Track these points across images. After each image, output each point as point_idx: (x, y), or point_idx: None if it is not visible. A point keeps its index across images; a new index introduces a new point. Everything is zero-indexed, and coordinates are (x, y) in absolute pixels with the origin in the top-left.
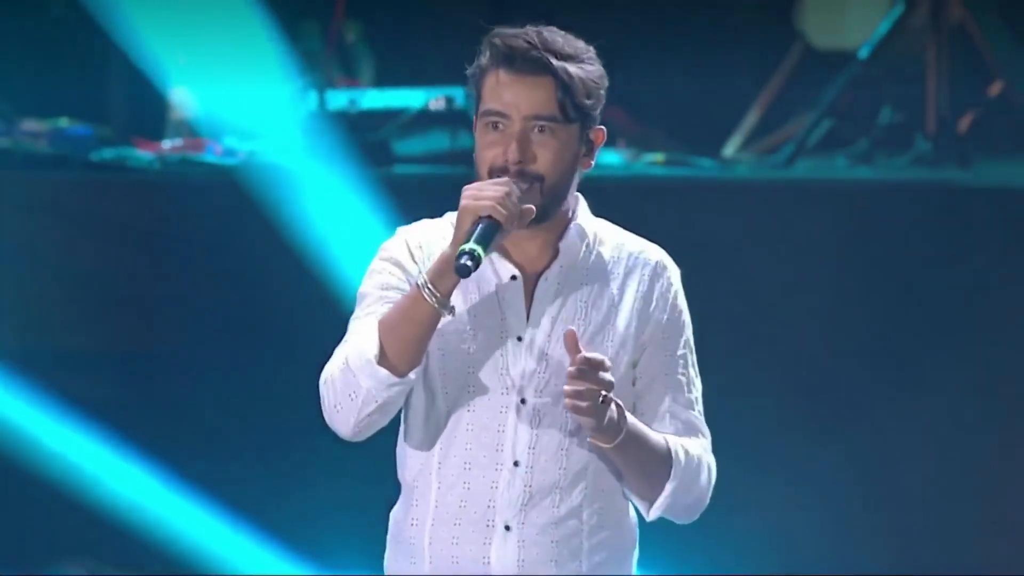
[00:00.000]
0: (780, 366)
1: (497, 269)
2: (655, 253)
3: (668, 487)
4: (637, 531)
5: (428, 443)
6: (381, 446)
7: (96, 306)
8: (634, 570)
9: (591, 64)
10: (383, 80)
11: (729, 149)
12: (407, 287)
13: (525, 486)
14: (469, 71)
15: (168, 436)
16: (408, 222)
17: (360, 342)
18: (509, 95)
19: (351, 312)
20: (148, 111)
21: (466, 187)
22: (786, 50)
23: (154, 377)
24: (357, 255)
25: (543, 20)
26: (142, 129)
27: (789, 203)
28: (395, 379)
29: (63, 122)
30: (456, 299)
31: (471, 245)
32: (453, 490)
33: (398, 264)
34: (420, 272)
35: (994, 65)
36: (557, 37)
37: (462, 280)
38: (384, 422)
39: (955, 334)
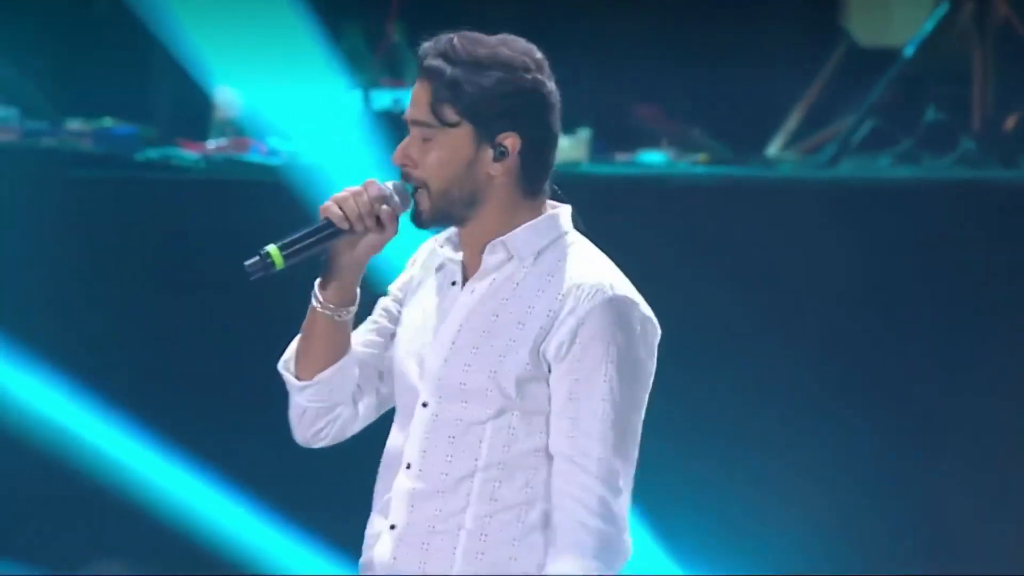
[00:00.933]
0: (828, 363)
1: (449, 273)
2: (592, 282)
3: None
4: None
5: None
6: None
7: (143, 304)
8: None
9: (491, 64)
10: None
11: (772, 149)
12: (398, 297)
13: (412, 488)
14: None
15: (213, 434)
16: None
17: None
18: (410, 102)
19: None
20: (192, 111)
21: None
22: (831, 49)
23: (201, 375)
24: (398, 253)
25: (579, 20)
26: (186, 129)
27: (833, 203)
28: (299, 383)
29: (107, 122)
30: (422, 295)
31: (270, 246)
32: (377, 485)
33: (414, 274)
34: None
35: None
36: (456, 40)
37: (431, 281)
38: (334, 431)
39: (1002, 331)
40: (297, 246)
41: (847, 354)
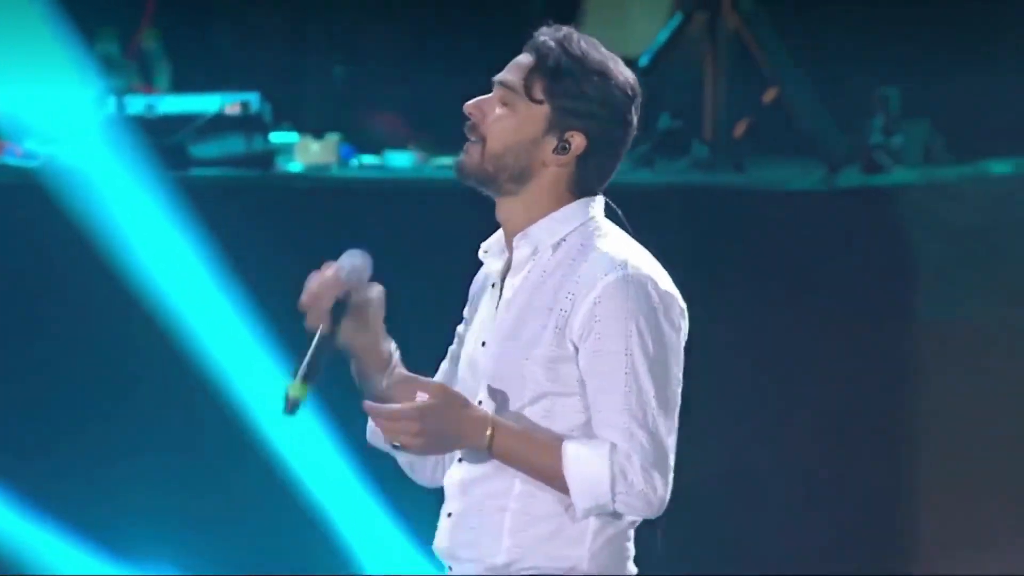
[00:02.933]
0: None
1: (491, 277)
2: (608, 261)
3: (570, 486)
4: (600, 527)
5: None
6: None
7: None
8: (592, 567)
9: (591, 68)
10: (180, 86)
11: None
12: (465, 319)
13: (462, 477)
14: None
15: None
16: (203, 222)
17: None
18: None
19: (150, 310)
20: None
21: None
22: None
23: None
24: (154, 255)
25: (335, 27)
26: None
27: None
28: (390, 449)
29: None
30: (474, 301)
31: (288, 388)
32: (445, 479)
33: (472, 290)
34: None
35: (768, 73)
36: (582, 41)
37: (481, 281)
38: (448, 459)
39: (729, 334)
40: (306, 370)
41: None
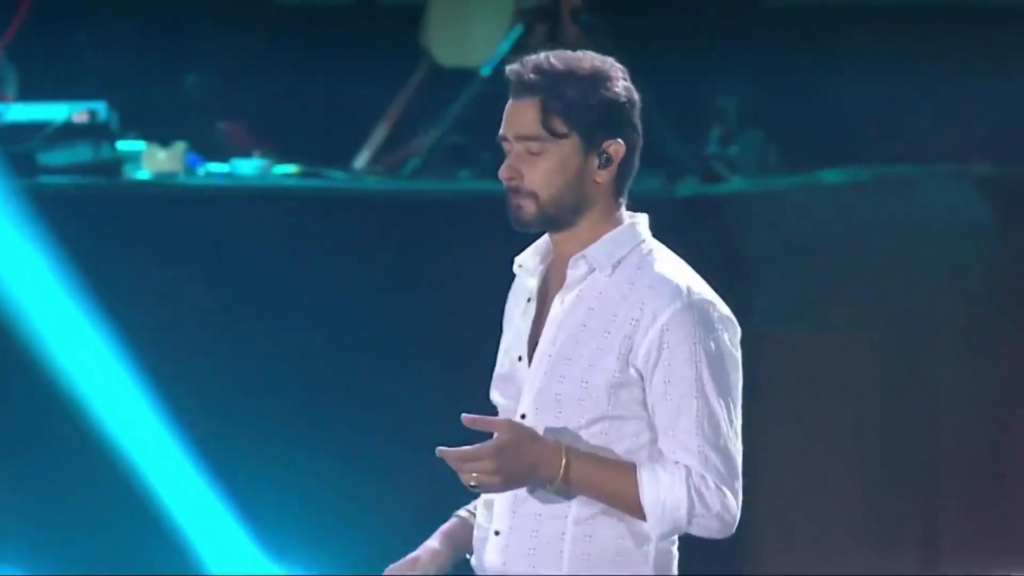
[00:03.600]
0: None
1: (527, 290)
2: (672, 287)
3: (646, 510)
4: (660, 550)
5: None
6: None
7: None
8: None
9: (593, 77)
10: (28, 94)
11: (359, 162)
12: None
13: (514, 495)
14: None
15: None
16: (51, 230)
17: None
18: (505, 121)
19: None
20: None
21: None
22: (415, 66)
23: None
24: (1, 262)
25: (197, 38)
26: None
27: (414, 215)
28: None
29: None
30: (507, 318)
31: None
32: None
33: (508, 304)
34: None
35: None
36: (553, 57)
37: (514, 298)
38: None
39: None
40: None
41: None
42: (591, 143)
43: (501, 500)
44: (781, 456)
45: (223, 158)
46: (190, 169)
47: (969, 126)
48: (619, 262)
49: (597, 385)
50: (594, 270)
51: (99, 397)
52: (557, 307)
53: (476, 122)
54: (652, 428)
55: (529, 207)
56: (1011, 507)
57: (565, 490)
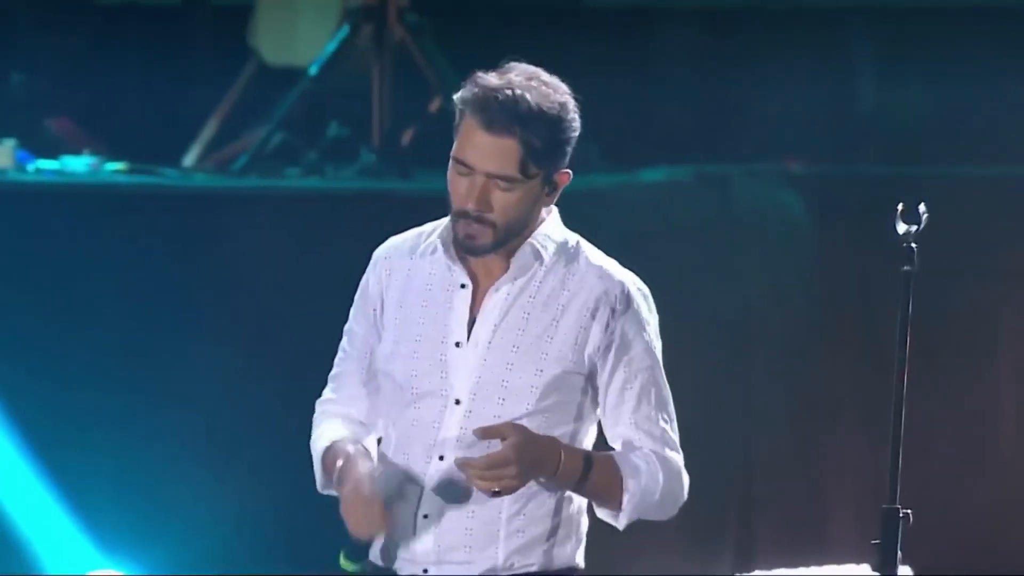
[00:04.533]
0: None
1: (452, 277)
2: (618, 278)
3: (625, 498)
4: (581, 525)
5: (384, 432)
6: None
7: None
8: (576, 561)
9: (561, 117)
10: None
11: (189, 159)
12: (372, 327)
13: (449, 479)
14: (456, 95)
15: None
16: None
17: (317, 436)
18: (475, 153)
19: None
20: None
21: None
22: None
23: None
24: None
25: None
26: None
27: (242, 211)
28: (326, 490)
29: None
30: (412, 303)
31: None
32: (382, 471)
33: (364, 296)
34: (380, 294)
35: (433, 83)
36: (529, 93)
37: (420, 284)
38: None
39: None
40: (359, 551)
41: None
42: (549, 177)
43: (428, 483)
44: None
45: (53, 155)
46: (20, 166)
47: (784, 127)
48: (557, 251)
49: (551, 372)
50: (539, 259)
51: None
52: (494, 296)
53: (303, 120)
54: (581, 417)
55: (486, 236)
56: (822, 506)
57: (557, 484)
